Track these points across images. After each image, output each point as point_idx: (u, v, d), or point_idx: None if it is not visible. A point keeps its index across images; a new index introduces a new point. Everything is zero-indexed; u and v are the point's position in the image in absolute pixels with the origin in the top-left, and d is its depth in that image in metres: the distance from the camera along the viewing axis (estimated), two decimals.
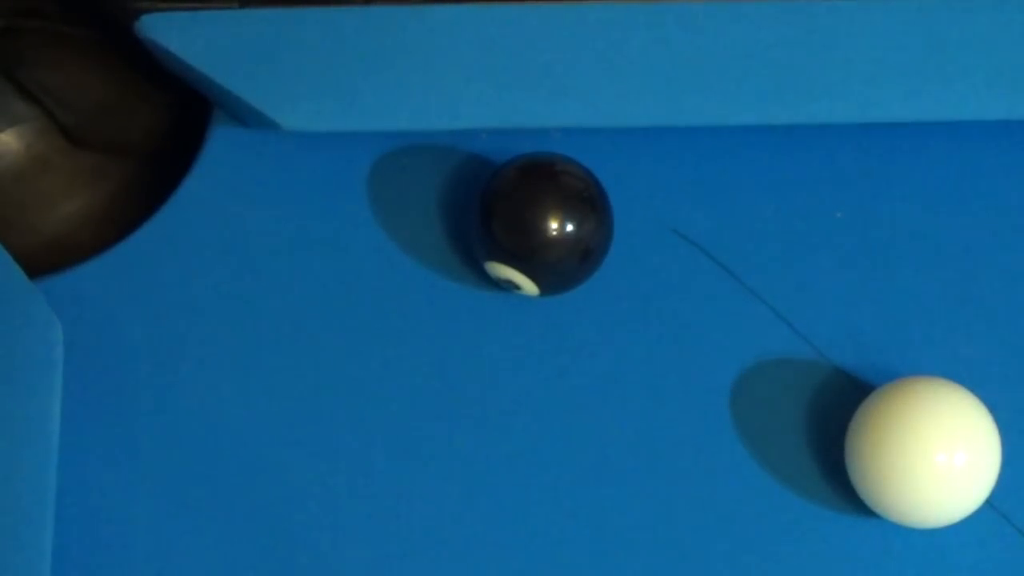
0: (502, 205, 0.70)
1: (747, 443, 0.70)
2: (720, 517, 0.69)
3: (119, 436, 0.69)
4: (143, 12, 0.72)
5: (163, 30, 0.72)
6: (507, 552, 0.68)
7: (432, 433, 0.70)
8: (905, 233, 0.74)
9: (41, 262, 0.72)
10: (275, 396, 0.70)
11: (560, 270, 0.70)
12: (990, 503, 0.67)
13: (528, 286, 0.70)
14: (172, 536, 0.68)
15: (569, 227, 0.69)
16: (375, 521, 0.68)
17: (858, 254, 0.74)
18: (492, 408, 0.71)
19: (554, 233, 0.69)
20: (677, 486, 0.70)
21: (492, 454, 0.70)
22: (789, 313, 0.72)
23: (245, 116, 0.73)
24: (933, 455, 0.65)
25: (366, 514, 0.69)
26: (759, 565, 0.68)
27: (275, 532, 0.68)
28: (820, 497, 0.69)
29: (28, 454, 0.65)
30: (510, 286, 0.71)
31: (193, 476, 0.69)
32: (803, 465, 0.70)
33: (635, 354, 0.72)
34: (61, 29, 0.77)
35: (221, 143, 0.75)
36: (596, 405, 0.71)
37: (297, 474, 0.69)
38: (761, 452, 0.70)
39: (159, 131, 0.79)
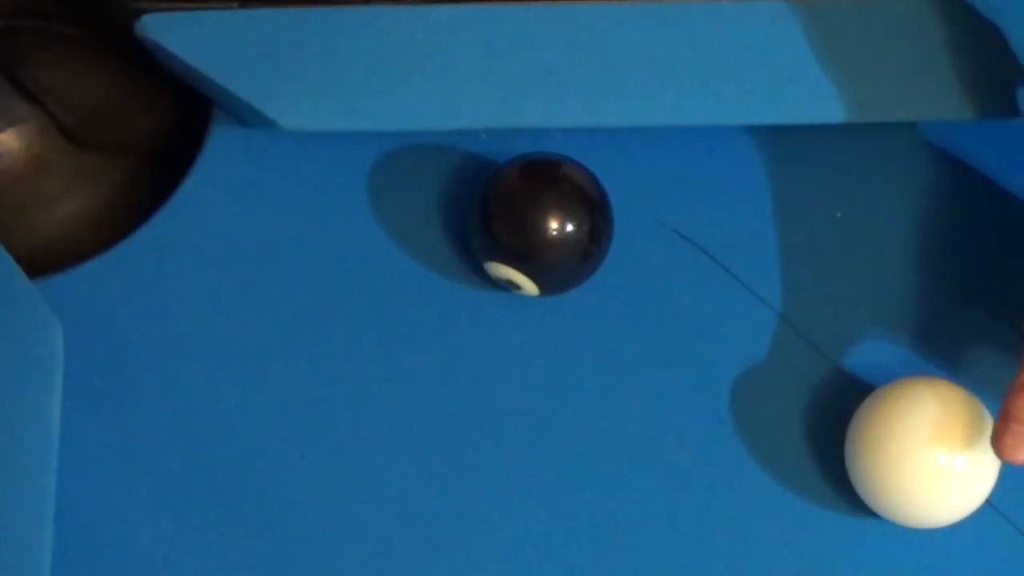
0: (502, 205, 0.70)
1: (747, 443, 0.70)
2: (720, 517, 0.69)
3: (119, 436, 0.69)
4: (143, 12, 0.72)
5: (163, 30, 0.72)
6: (507, 552, 0.68)
7: (432, 433, 0.70)
8: (905, 233, 0.74)
9: (41, 262, 0.72)
10: (275, 396, 0.70)
11: (560, 270, 0.70)
12: (990, 503, 0.67)
13: (528, 286, 0.70)
14: (172, 536, 0.68)
15: (569, 227, 0.69)
16: (376, 521, 0.68)
17: (858, 254, 0.74)
18: (492, 408, 0.71)
19: (554, 233, 0.69)
20: (677, 486, 0.70)
21: (492, 454, 0.70)
22: (789, 313, 0.72)
23: (245, 116, 0.73)
24: (933, 455, 0.65)
25: (367, 514, 0.69)
26: (758, 565, 0.68)
27: (276, 532, 0.68)
28: (820, 497, 0.69)
29: (28, 454, 0.65)
30: (510, 286, 0.71)
31: (193, 476, 0.69)
32: (803, 465, 0.70)
33: (635, 354, 0.72)
34: (61, 29, 0.77)
35: (221, 143, 0.74)
36: (596, 405, 0.71)
37: (297, 474, 0.69)
38: (761, 452, 0.70)
39: (159, 131, 0.79)
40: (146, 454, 0.69)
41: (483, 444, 0.70)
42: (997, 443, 0.62)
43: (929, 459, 0.65)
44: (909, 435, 0.65)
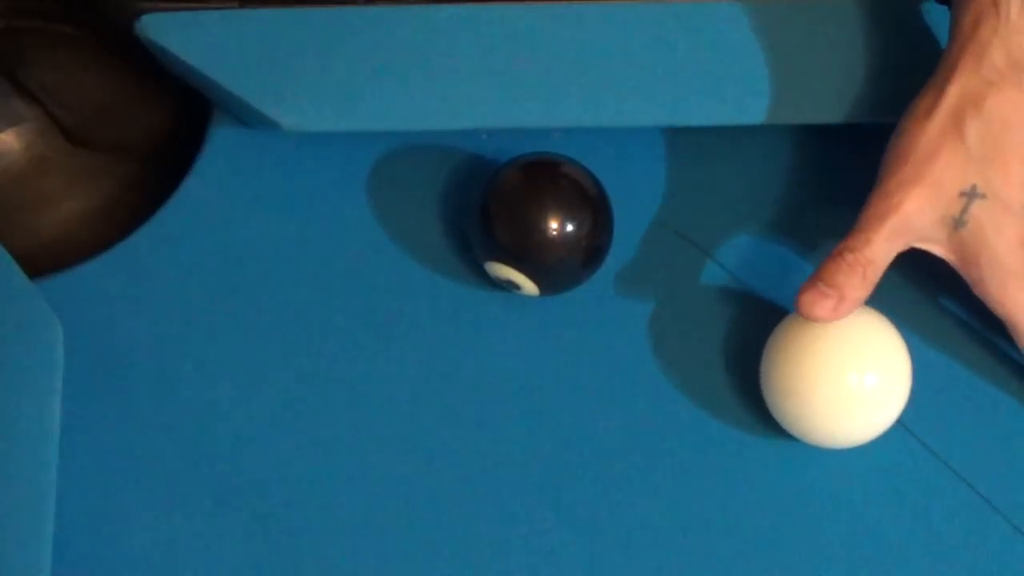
0: (502, 205, 0.70)
1: (740, 435, 0.70)
2: (707, 513, 0.69)
3: (119, 436, 0.69)
4: (143, 12, 0.72)
5: (163, 30, 0.72)
6: (505, 551, 0.68)
7: (432, 433, 0.70)
8: None
9: (41, 262, 0.72)
10: (275, 396, 0.70)
11: (560, 270, 0.70)
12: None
13: (528, 286, 0.70)
14: (172, 536, 0.68)
15: (569, 227, 0.69)
16: (375, 520, 0.68)
17: None
18: (492, 408, 0.71)
19: (554, 233, 0.69)
20: (675, 482, 0.70)
21: (491, 453, 0.70)
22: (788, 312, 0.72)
23: (245, 116, 0.74)
24: (845, 376, 0.65)
25: (366, 513, 0.69)
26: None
27: (275, 530, 0.68)
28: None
29: (28, 454, 0.65)
30: (510, 286, 0.71)
31: (193, 476, 0.69)
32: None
33: (635, 354, 0.72)
34: (61, 29, 0.77)
35: (221, 143, 0.75)
36: (596, 405, 0.71)
37: (297, 473, 0.69)
38: (754, 437, 0.70)
39: (159, 131, 0.79)
40: (146, 454, 0.69)
41: (483, 443, 0.70)
42: (799, 297, 0.65)
43: (840, 380, 0.65)
44: (820, 357, 0.65)
